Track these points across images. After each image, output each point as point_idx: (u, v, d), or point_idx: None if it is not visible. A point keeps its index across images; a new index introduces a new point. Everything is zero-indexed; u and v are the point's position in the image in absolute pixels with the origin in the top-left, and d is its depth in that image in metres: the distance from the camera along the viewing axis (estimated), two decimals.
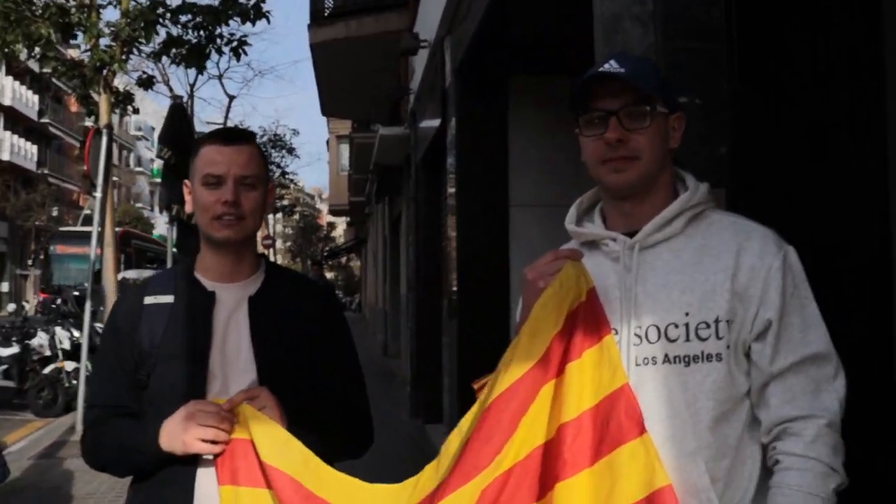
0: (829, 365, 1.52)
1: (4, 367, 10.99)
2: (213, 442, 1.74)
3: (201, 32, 10.59)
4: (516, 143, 6.71)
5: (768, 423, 1.51)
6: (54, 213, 40.52)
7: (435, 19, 7.74)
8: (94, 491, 6.75)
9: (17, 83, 39.97)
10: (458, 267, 6.80)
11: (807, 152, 2.22)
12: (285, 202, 44.45)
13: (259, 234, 2.04)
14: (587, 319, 1.56)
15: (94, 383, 2.01)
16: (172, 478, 1.80)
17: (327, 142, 39.40)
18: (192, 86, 25.02)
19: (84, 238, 17.92)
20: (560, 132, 6.15)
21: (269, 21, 10.75)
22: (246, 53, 11.05)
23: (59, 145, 47.29)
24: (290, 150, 37.43)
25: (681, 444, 1.51)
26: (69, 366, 10.97)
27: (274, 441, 1.73)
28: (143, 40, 10.13)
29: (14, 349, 11.12)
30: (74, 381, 10.50)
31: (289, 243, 57.66)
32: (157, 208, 51.74)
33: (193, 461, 1.79)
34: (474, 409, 1.62)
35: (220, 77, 27.59)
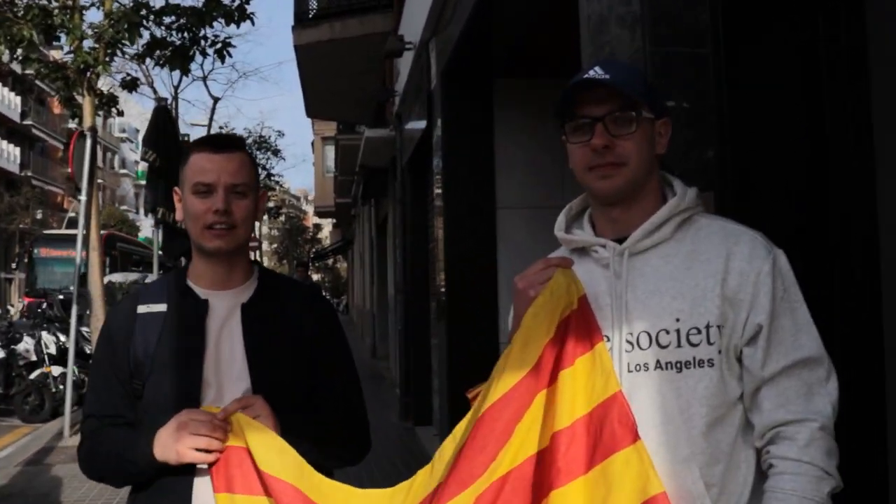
0: (821, 368, 1.52)
1: None
2: (207, 451, 1.74)
3: (185, 34, 10.53)
4: (502, 146, 6.72)
5: (761, 427, 1.51)
6: (38, 216, 40.27)
7: (420, 21, 7.73)
8: (82, 498, 6.71)
9: None
10: (445, 268, 6.80)
11: (795, 155, 2.23)
12: (271, 204, 44.29)
13: None
14: (579, 327, 1.56)
15: (90, 393, 2.00)
16: (169, 487, 1.80)
17: (312, 143, 39.29)
18: (176, 88, 24.98)
19: (68, 241, 17.81)
20: (546, 135, 6.17)
21: (253, 23, 10.71)
22: (230, 55, 10.99)
23: (42, 147, 46.97)
24: (276, 152, 37.34)
25: (674, 450, 1.51)
26: (56, 371, 10.91)
27: (269, 449, 1.73)
28: (127, 42, 10.05)
29: None
30: (61, 386, 10.45)
31: (275, 245, 57.47)
32: (142, 211, 51.47)
33: (190, 470, 1.78)
34: (468, 416, 1.62)
35: (204, 79, 27.50)
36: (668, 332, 1.54)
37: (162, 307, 1.93)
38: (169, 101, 20.72)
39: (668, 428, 1.52)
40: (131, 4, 9.96)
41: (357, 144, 14.21)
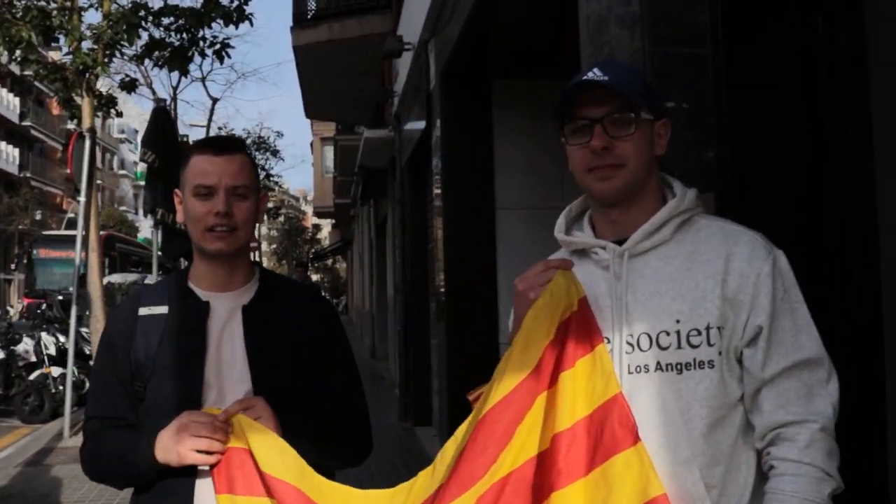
0: (822, 369, 1.51)
1: None
2: (208, 452, 1.74)
3: (184, 35, 10.53)
4: (501, 146, 6.72)
5: (762, 428, 1.51)
6: (37, 217, 40.26)
7: (419, 22, 7.73)
8: (82, 498, 6.71)
9: None
10: (445, 269, 6.80)
11: (794, 155, 2.23)
12: (270, 205, 44.27)
13: None
14: (579, 329, 1.56)
15: (92, 395, 2.01)
16: (171, 489, 1.80)
17: (311, 144, 39.28)
18: (175, 88, 24.98)
19: (67, 242, 17.81)
20: (544, 135, 6.17)
21: (251, 23, 10.70)
22: (229, 56, 11.00)
23: (41, 148, 46.95)
24: (275, 153, 37.34)
25: (675, 451, 1.51)
26: (55, 371, 10.93)
27: (271, 451, 1.74)
28: (126, 43, 10.05)
29: None
30: (61, 387, 10.46)
31: (274, 246, 57.47)
32: (140, 211, 51.46)
33: (192, 472, 1.78)
34: (469, 419, 1.62)
35: (203, 79, 27.50)
36: (668, 334, 1.54)
37: (163, 309, 1.93)
38: (168, 102, 20.73)
39: (668, 429, 1.52)
40: (130, 5, 9.96)
41: (356, 145, 14.21)
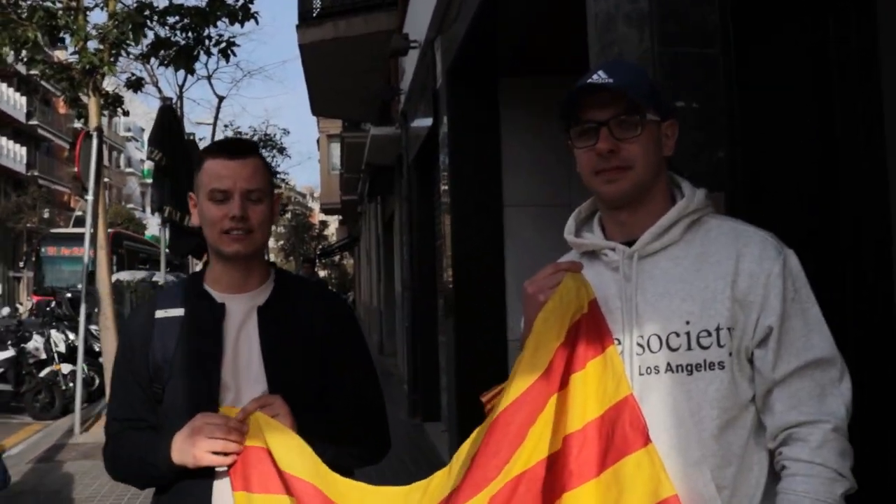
0: (834, 368, 1.51)
1: (0, 370, 10.99)
2: (224, 454, 1.76)
3: (189, 34, 10.54)
4: (508, 144, 6.72)
5: (773, 428, 1.51)
6: (45, 215, 40.37)
7: (425, 20, 7.72)
8: (94, 494, 6.75)
9: (4, 85, 39.75)
10: (453, 266, 6.80)
11: (806, 156, 2.23)
12: None
13: None
14: (590, 331, 1.56)
15: (113, 398, 2.04)
16: (189, 490, 1.82)
17: (318, 141, 39.31)
18: (181, 87, 24.93)
19: (75, 240, 17.87)
20: (551, 134, 6.15)
21: (257, 22, 10.69)
22: (234, 54, 10.99)
23: (48, 147, 47.05)
24: (281, 150, 37.32)
25: (686, 453, 1.51)
26: (65, 368, 11.00)
27: (289, 449, 1.75)
28: (132, 42, 10.06)
29: (9, 352, 11.15)
30: (71, 384, 10.52)
31: (281, 242, 57.51)
32: (148, 209, 51.53)
33: (209, 473, 1.80)
34: (486, 422, 1.63)
35: (209, 78, 27.51)
36: (678, 335, 1.54)
37: (179, 312, 1.95)
38: (174, 101, 20.77)
39: (679, 431, 1.52)
40: (135, 5, 9.96)
41: (363, 142, 14.20)
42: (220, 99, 34.26)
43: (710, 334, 1.53)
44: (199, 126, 35.38)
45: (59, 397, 10.90)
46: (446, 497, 1.61)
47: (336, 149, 29.46)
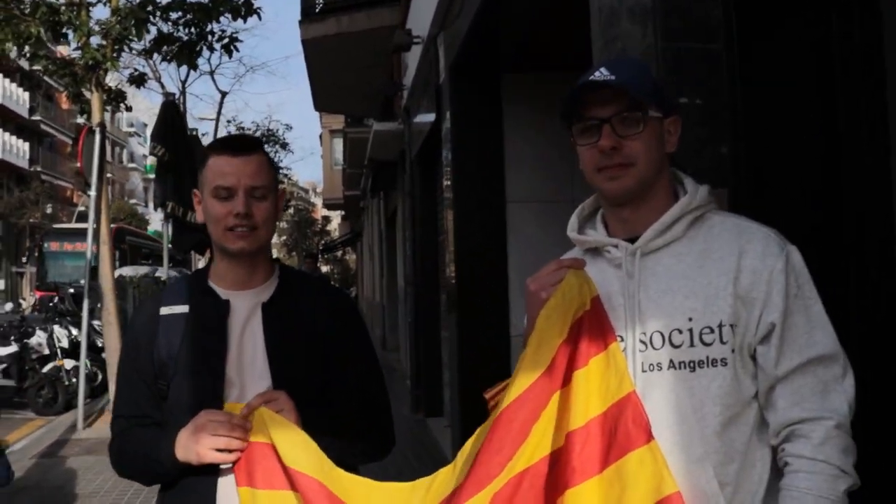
0: (837, 365, 1.51)
1: (3, 365, 11.04)
2: (228, 451, 1.76)
3: (192, 29, 10.54)
4: (511, 140, 6.71)
5: (776, 425, 1.51)
6: (48, 211, 40.44)
7: (427, 16, 7.71)
8: (97, 490, 6.77)
9: (7, 80, 39.78)
10: (455, 261, 6.80)
11: (809, 150, 2.22)
12: None
13: None
14: (592, 327, 1.56)
15: (118, 395, 2.04)
16: (193, 487, 1.82)
17: (320, 136, 39.30)
18: (183, 82, 25.02)
19: (78, 235, 17.87)
20: (553, 130, 6.13)
21: (259, 17, 10.69)
22: (237, 50, 11.00)
23: (51, 142, 47.12)
24: (284, 146, 37.35)
25: (688, 450, 1.51)
26: (68, 364, 11.01)
27: (294, 445, 1.75)
28: (134, 38, 10.07)
29: (13, 348, 11.16)
30: (74, 379, 10.54)
31: (284, 237, 57.54)
32: (150, 204, 51.58)
33: (214, 470, 1.80)
34: (489, 419, 1.63)
35: (211, 73, 27.52)
36: (680, 332, 1.54)
37: (184, 309, 1.95)
38: (177, 96, 20.80)
39: (681, 427, 1.52)
40: (138, 1, 9.96)
41: (365, 137, 14.20)
42: (223, 94, 34.28)
43: (712, 331, 1.53)
44: (202, 121, 35.31)
45: (61, 393, 10.92)
46: (450, 494, 1.61)
47: (339, 144, 29.48)
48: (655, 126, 1.61)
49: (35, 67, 11.59)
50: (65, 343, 11.43)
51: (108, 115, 10.92)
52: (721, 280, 1.54)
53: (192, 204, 2.02)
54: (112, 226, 11.36)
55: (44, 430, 9.57)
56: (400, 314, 14.66)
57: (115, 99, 10.67)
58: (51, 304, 13.74)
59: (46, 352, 11.33)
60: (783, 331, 1.51)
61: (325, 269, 47.67)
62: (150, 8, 9.89)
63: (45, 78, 35.83)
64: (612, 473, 1.50)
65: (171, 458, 1.80)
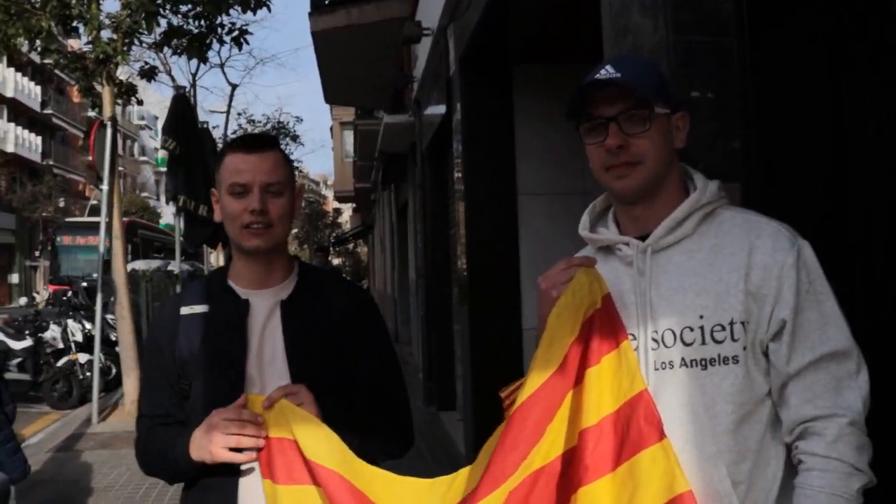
0: (851, 361, 1.49)
1: (19, 360, 11.13)
2: (240, 449, 1.76)
3: (202, 22, 10.56)
4: (521, 132, 6.69)
5: (789, 422, 1.50)
6: (61, 204, 40.66)
7: (437, 7, 7.68)
8: (112, 483, 6.82)
9: (18, 74, 39.94)
10: (466, 254, 6.79)
11: (823, 144, 2.20)
12: None
13: None
14: (604, 326, 1.56)
15: (143, 395, 2.06)
16: (215, 486, 1.84)
17: (331, 128, 39.30)
18: (194, 75, 24.94)
19: (90, 229, 17.97)
20: (563, 122, 6.10)
21: (269, 9, 10.71)
22: (247, 42, 11.03)
23: (63, 136, 47.34)
24: (294, 138, 37.40)
25: (701, 448, 1.50)
26: (82, 358, 11.09)
27: (315, 438, 1.76)
28: (145, 31, 10.09)
29: (27, 342, 11.25)
30: (88, 373, 10.61)
31: (295, 230, 57.68)
32: (162, 198, 51.77)
33: (235, 469, 1.81)
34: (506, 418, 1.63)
35: (221, 66, 27.42)
36: (692, 330, 1.53)
37: (204, 308, 1.96)
38: (187, 89, 20.80)
39: (694, 426, 1.51)
40: None
41: (376, 129, 14.18)
42: (233, 87, 34.48)
43: (723, 328, 1.52)
44: (213, 114, 35.44)
45: (76, 387, 11.00)
46: (466, 496, 1.61)
47: (349, 136, 29.46)
48: (663, 123, 1.60)
49: (46, 61, 11.68)
50: (79, 337, 11.50)
51: (118, 109, 10.95)
52: (732, 277, 1.53)
53: (203, 197, 2.03)
54: (124, 219, 11.41)
55: (59, 424, 9.65)
56: (412, 307, 14.67)
57: (126, 92, 10.70)
58: (64, 299, 13.82)
59: (61, 346, 11.40)
60: (795, 327, 1.50)
61: (336, 261, 47.79)
62: (160, 1, 9.90)
63: (57, 72, 36.04)
64: (624, 472, 1.50)
65: (185, 457, 1.81)
